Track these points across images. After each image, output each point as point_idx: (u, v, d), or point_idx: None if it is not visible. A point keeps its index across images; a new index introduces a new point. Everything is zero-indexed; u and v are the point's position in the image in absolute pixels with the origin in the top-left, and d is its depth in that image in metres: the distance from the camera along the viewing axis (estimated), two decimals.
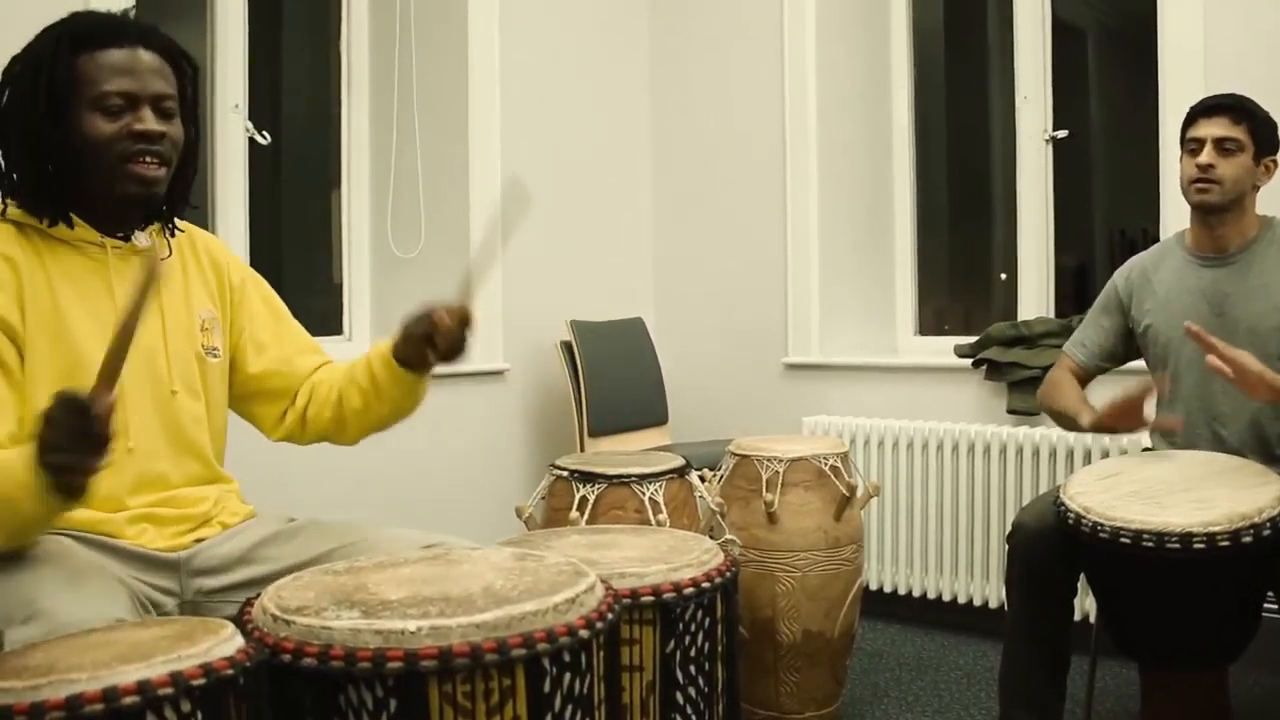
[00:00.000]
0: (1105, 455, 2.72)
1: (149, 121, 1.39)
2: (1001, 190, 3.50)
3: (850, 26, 3.49)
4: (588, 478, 2.15)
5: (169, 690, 0.93)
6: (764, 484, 2.33)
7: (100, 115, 1.38)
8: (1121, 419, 2.05)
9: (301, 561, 1.44)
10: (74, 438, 1.11)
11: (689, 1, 3.72)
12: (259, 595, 1.20)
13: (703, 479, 2.31)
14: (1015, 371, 3.00)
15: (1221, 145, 2.07)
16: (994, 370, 3.06)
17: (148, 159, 1.40)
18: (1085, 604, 2.61)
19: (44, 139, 1.38)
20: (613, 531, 1.72)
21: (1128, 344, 2.31)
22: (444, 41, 3.20)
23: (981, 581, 2.98)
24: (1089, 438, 2.74)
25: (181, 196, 1.53)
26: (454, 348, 1.52)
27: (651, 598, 1.38)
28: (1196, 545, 1.64)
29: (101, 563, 1.33)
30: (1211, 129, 2.08)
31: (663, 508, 2.11)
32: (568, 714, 1.12)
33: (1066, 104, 3.21)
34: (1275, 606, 2.07)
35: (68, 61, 1.38)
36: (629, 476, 2.14)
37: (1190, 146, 2.12)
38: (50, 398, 1.13)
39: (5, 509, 1.18)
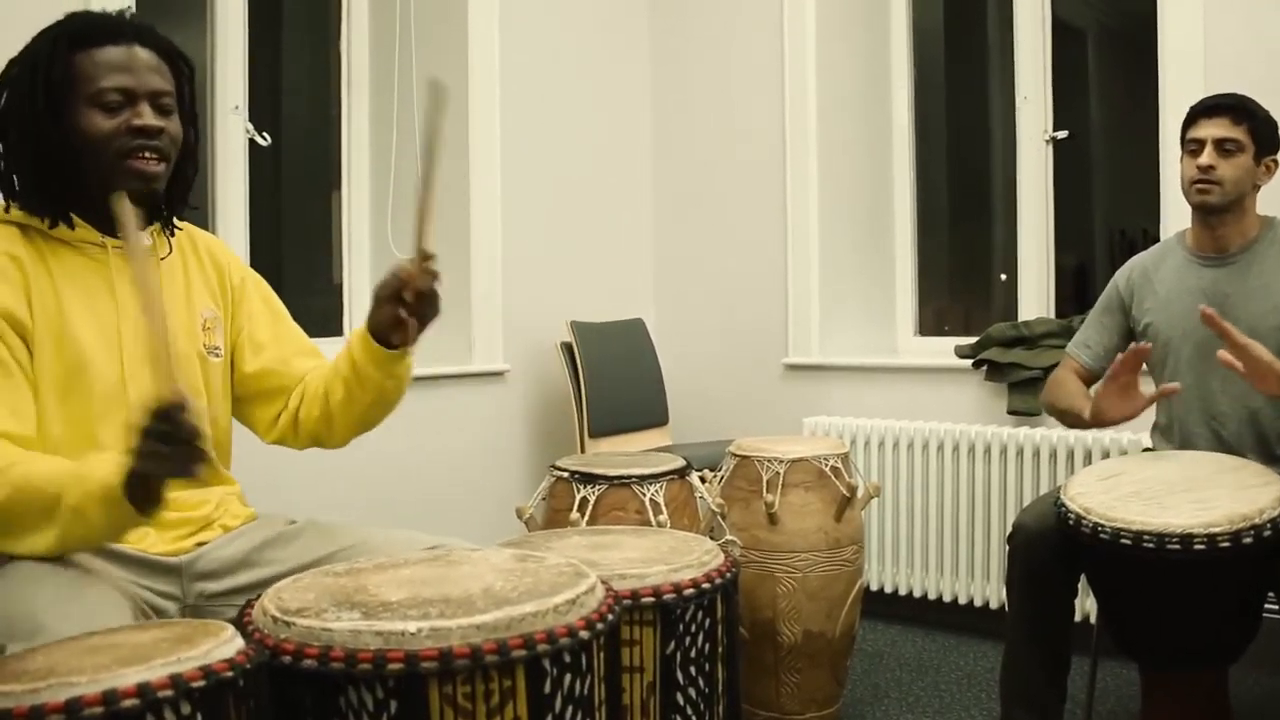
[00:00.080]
0: (1106, 456, 2.72)
1: (147, 116, 1.40)
2: (1001, 190, 3.50)
3: (850, 26, 3.49)
4: (588, 479, 2.14)
5: (169, 693, 0.93)
6: (764, 485, 2.33)
7: (98, 112, 1.38)
8: (1116, 397, 2.03)
9: (303, 564, 1.43)
10: (172, 441, 1.13)
11: (689, 1, 3.72)
12: (259, 597, 1.20)
13: (703, 480, 2.31)
14: (1015, 372, 2.99)
15: (1222, 146, 2.07)
16: (994, 371, 3.06)
17: (147, 154, 1.40)
18: (1085, 604, 2.61)
19: (43, 138, 1.38)
20: (613, 532, 1.73)
21: (1130, 343, 2.30)
22: (444, 41, 3.19)
23: (982, 582, 2.98)
24: (1089, 438, 2.74)
25: (181, 196, 1.53)
26: (424, 299, 1.45)
27: (652, 599, 1.38)
28: (1197, 546, 1.64)
29: (102, 570, 1.32)
30: (1212, 129, 2.08)
31: (663, 509, 2.11)
32: (568, 715, 1.12)
33: (1066, 104, 3.20)
34: (1275, 607, 2.07)
35: (65, 60, 1.38)
36: (630, 477, 2.14)
37: (1191, 147, 2.12)
38: (139, 413, 1.14)
39: (74, 519, 1.20)
